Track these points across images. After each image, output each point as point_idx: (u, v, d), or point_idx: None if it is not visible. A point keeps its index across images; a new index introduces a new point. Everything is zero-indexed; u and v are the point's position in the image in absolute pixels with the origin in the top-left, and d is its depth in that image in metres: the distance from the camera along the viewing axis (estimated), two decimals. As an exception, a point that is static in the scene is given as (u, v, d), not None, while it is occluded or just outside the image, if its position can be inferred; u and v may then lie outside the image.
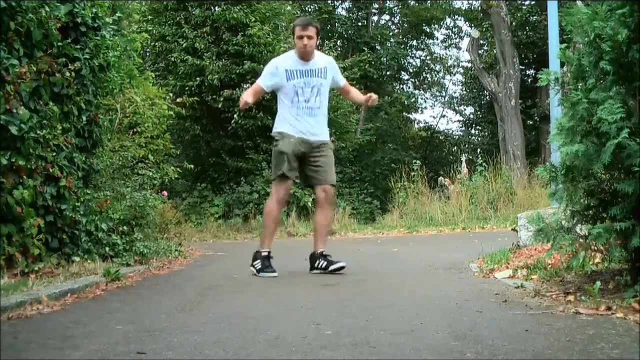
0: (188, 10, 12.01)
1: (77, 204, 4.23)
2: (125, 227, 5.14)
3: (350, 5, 19.38)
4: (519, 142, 14.27)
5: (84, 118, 4.59)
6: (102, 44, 4.89)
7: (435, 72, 21.66)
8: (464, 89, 21.15)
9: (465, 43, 19.78)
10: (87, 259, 4.26)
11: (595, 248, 2.92)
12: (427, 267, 4.62)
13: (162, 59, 12.28)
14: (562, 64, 5.96)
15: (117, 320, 2.60)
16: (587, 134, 2.76)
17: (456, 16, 20.99)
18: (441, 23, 20.93)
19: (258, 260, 4.34)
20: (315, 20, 4.87)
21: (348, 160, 14.59)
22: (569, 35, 3.00)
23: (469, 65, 19.10)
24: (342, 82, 4.75)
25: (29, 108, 3.72)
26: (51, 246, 3.99)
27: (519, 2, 17.19)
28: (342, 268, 4.31)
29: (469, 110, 20.80)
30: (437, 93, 22.32)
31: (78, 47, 4.48)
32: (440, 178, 12.74)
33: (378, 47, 18.48)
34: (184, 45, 11.59)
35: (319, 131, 4.46)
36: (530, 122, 17.29)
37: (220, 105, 11.45)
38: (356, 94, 4.93)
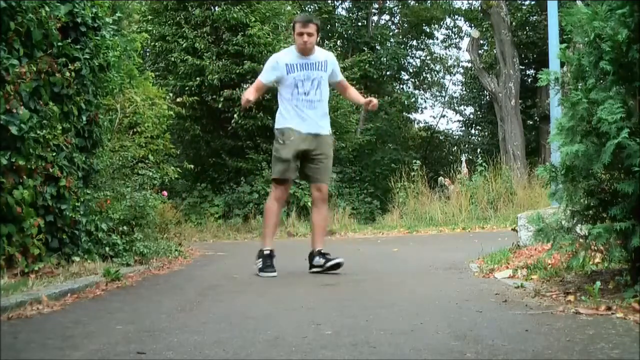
0: (188, 10, 12.02)
1: (77, 204, 4.23)
2: (125, 227, 5.14)
3: (350, 5, 19.39)
4: (519, 142, 14.28)
5: (84, 118, 4.59)
6: (102, 44, 4.89)
7: (435, 72, 21.69)
8: (464, 89, 21.16)
9: (465, 43, 19.81)
10: (87, 259, 4.26)
11: (595, 248, 2.92)
12: (427, 267, 4.62)
13: (162, 59, 12.28)
14: (562, 64, 5.96)
15: (117, 320, 2.60)
16: (587, 134, 2.76)
17: (456, 16, 21.01)
18: (441, 23, 20.94)
19: (260, 259, 4.36)
20: (315, 17, 4.87)
21: (348, 160, 14.59)
22: (569, 35, 3.00)
23: (469, 65, 19.11)
24: (340, 77, 4.74)
25: (29, 108, 3.72)
26: (51, 246, 3.99)
27: (519, 2, 17.19)
28: (340, 265, 4.32)
29: (469, 110, 20.82)
30: (437, 93, 22.35)
31: (78, 47, 4.47)
32: (440, 178, 12.74)
33: (378, 47, 18.49)
34: (184, 45, 11.59)
35: (320, 124, 4.46)
36: (530, 122, 17.29)
37: (220, 105, 11.45)
38: (355, 94, 4.92)
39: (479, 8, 16.92)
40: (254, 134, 11.79)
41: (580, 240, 2.93)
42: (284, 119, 4.46)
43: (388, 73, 19.16)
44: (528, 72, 17.73)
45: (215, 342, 2.14)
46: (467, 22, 20.84)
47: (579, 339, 2.05)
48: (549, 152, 10.33)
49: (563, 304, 2.71)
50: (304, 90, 4.42)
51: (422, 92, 21.76)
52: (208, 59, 11.45)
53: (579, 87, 2.84)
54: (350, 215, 11.30)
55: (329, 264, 4.34)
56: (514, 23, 16.00)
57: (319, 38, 4.56)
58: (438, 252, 5.93)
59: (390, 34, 19.97)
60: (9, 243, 3.45)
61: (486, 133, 19.40)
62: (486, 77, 15.24)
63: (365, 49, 17.21)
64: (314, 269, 4.39)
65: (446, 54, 22.08)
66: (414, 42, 21.05)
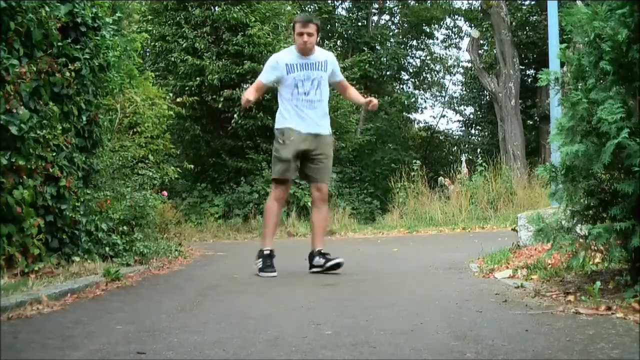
0: (188, 10, 12.02)
1: (77, 204, 4.23)
2: (125, 227, 5.14)
3: (350, 5, 19.40)
4: (519, 142, 14.28)
5: (84, 118, 4.59)
6: (102, 44, 4.89)
7: (435, 72, 21.69)
8: (464, 89, 21.17)
9: (465, 43, 19.81)
10: (87, 259, 4.26)
11: (595, 248, 2.92)
12: (427, 267, 4.62)
13: (162, 59, 12.28)
14: (562, 64, 5.96)
15: (117, 320, 2.60)
16: (587, 134, 2.76)
17: (456, 16, 21.01)
18: (441, 23, 20.94)
19: (260, 259, 4.36)
20: (315, 17, 4.87)
21: (348, 160, 14.60)
22: (569, 35, 3.00)
23: (469, 65, 19.11)
24: (340, 77, 4.73)
25: (29, 108, 3.72)
26: (51, 246, 3.99)
27: (519, 2, 17.19)
28: (340, 265, 4.32)
29: (469, 110, 20.83)
30: (437, 93, 22.35)
31: (78, 47, 4.47)
32: (440, 178, 12.74)
33: (378, 47, 18.49)
34: (184, 45, 11.59)
35: (320, 124, 4.46)
36: (530, 122, 17.29)
37: (220, 105, 11.45)
38: (355, 94, 4.91)
39: (479, 8, 16.93)
40: (254, 134, 11.79)
41: (580, 240, 2.93)
42: (283, 119, 4.46)
43: (388, 73, 19.17)
44: (528, 72, 17.73)
45: (215, 342, 2.14)
46: (467, 22, 20.86)
47: (579, 339, 2.05)
48: (549, 152, 10.33)
49: (563, 304, 2.71)
50: (304, 90, 4.42)
51: (422, 92, 21.78)
52: (208, 59, 11.45)
53: (579, 87, 2.84)
54: (350, 215, 11.30)
55: (329, 264, 4.34)
56: (514, 23, 16.00)
57: (319, 38, 4.56)
58: (438, 252, 5.93)
59: (390, 34, 19.97)
60: (9, 243, 3.45)
61: (486, 133, 19.40)
62: (486, 77, 15.24)
63: (365, 49, 17.21)
64: (314, 269, 4.39)
65: (446, 54, 22.13)
66: (414, 42, 21.05)
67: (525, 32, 16.67)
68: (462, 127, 21.35)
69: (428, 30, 20.88)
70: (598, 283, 2.70)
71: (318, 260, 4.40)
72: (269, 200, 4.53)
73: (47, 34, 4.08)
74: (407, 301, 3.06)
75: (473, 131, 20.99)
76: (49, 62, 4.03)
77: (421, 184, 11.68)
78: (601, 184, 2.86)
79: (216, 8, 12.00)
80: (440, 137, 21.25)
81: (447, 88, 22.30)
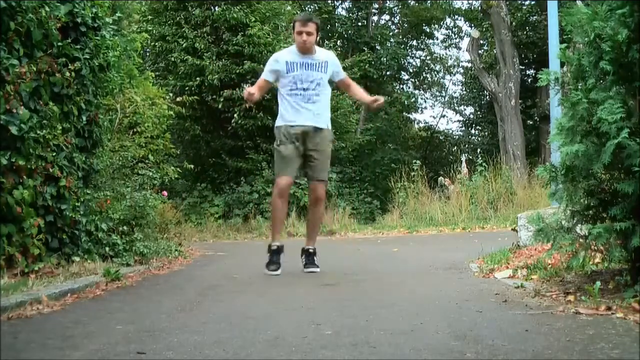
0: (188, 10, 12.02)
1: (77, 204, 4.23)
2: (125, 227, 5.14)
3: (350, 5, 19.40)
4: (519, 142, 14.28)
5: (84, 118, 4.59)
6: (102, 44, 4.89)
7: (435, 72, 21.70)
8: (464, 89, 21.17)
9: (465, 43, 19.82)
10: (87, 259, 4.26)
11: (595, 248, 2.92)
12: (427, 267, 4.62)
13: (162, 59, 12.29)
14: (562, 64, 5.96)
15: (117, 320, 2.60)
16: (587, 134, 2.76)
17: (456, 16, 21.02)
18: (441, 23, 20.96)
19: (268, 254, 4.44)
20: (315, 16, 4.86)
21: (348, 160, 14.60)
22: (569, 35, 3.00)
23: (469, 65, 19.11)
24: (342, 75, 4.70)
25: (29, 108, 3.72)
26: (51, 246, 3.99)
27: (519, 2, 17.20)
28: (314, 272, 4.39)
29: (469, 110, 20.84)
30: (437, 93, 22.36)
31: (78, 47, 4.48)
32: (440, 178, 12.74)
33: (378, 47, 18.49)
34: (184, 45, 11.59)
35: (317, 118, 4.45)
36: (530, 122, 17.30)
37: (220, 105, 11.46)
38: (359, 92, 4.92)
39: (479, 8, 16.93)
40: (254, 134, 11.79)
41: (580, 240, 2.93)
42: (282, 117, 4.48)
43: (388, 73, 19.17)
44: (528, 72, 17.73)
45: (215, 342, 2.14)
46: (467, 22, 20.87)
47: (579, 339, 2.05)
48: (549, 152, 10.33)
49: (563, 304, 2.71)
50: (303, 87, 4.43)
51: (422, 92, 21.79)
52: (208, 59, 11.45)
53: (579, 87, 2.84)
54: (350, 215, 11.30)
55: (305, 270, 4.45)
56: (514, 23, 16.00)
57: (318, 38, 4.56)
58: (438, 252, 5.92)
59: (390, 34, 19.98)
60: (9, 243, 3.45)
61: (486, 133, 19.40)
62: (486, 77, 15.24)
63: (365, 49, 17.21)
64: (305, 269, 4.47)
65: (446, 54, 22.15)
66: (414, 42, 21.06)
67: (525, 32, 16.67)
68: (462, 127, 21.38)
69: (428, 30, 20.89)
70: (598, 283, 2.70)
71: (302, 259, 4.52)
72: (273, 197, 4.55)
73: (47, 34, 4.08)
74: (407, 301, 3.06)
75: (473, 131, 21.00)
76: (49, 62, 4.03)
77: (421, 184, 11.68)
78: (601, 184, 2.86)
79: (216, 8, 12.00)
80: (440, 137, 21.26)
81: (447, 88, 22.35)
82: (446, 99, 21.97)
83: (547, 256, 3.36)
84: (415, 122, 21.78)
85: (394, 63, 18.49)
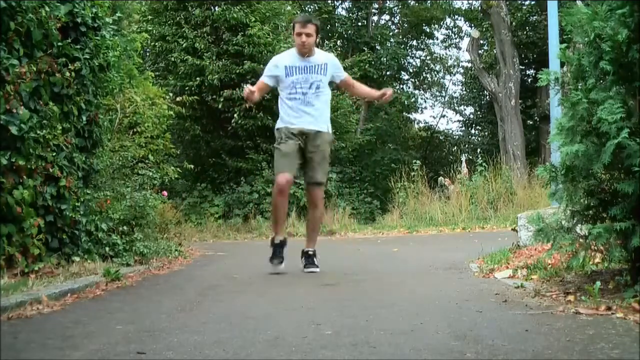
0: (188, 10, 12.02)
1: (77, 204, 4.23)
2: (125, 227, 5.14)
3: (350, 5, 19.41)
4: (519, 142, 14.28)
5: (84, 118, 4.59)
6: (102, 44, 4.89)
7: (435, 72, 21.70)
8: (464, 89, 21.18)
9: (465, 43, 19.83)
10: (87, 259, 4.26)
11: (595, 248, 2.92)
12: (427, 267, 4.62)
13: (162, 59, 12.29)
14: (562, 64, 5.96)
15: (117, 320, 2.60)
16: (587, 134, 2.76)
17: (456, 16, 21.02)
18: (441, 23, 20.96)
19: (271, 248, 4.48)
20: (315, 18, 4.86)
21: (348, 160, 14.60)
22: (569, 35, 3.00)
23: (469, 65, 19.12)
24: (343, 76, 4.69)
25: (29, 108, 3.72)
26: (51, 246, 3.99)
27: (519, 2, 17.20)
28: (314, 272, 4.41)
29: (469, 110, 20.84)
30: (437, 93, 22.37)
31: (78, 47, 4.48)
32: (440, 178, 12.74)
33: (378, 47, 18.50)
34: (184, 45, 11.59)
35: (316, 121, 4.46)
36: (530, 122, 17.30)
37: (220, 106, 11.46)
38: (364, 90, 4.90)
39: (479, 8, 16.93)
40: (254, 134, 11.79)
41: (580, 240, 2.93)
42: (282, 120, 4.49)
43: (388, 73, 19.17)
44: (528, 72, 17.74)
45: (215, 342, 2.14)
46: (467, 22, 20.87)
47: (579, 339, 2.05)
48: (549, 152, 10.33)
49: (563, 304, 2.71)
50: (302, 91, 4.43)
51: (422, 92, 21.79)
52: (208, 59, 11.45)
53: (579, 87, 2.84)
54: (350, 215, 11.30)
55: (305, 270, 4.45)
56: (514, 23, 16.00)
57: (318, 38, 4.56)
58: (438, 252, 5.92)
59: (390, 34, 19.98)
60: (9, 243, 3.45)
61: (486, 133, 19.41)
62: (486, 77, 15.24)
63: (365, 49, 17.22)
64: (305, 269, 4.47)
65: (446, 54, 22.15)
66: (414, 42, 21.07)
67: (525, 32, 16.67)
68: (462, 127, 21.38)
69: (428, 30, 20.89)
70: (598, 283, 2.70)
71: (301, 261, 4.53)
72: (273, 196, 4.57)
73: (47, 34, 4.08)
74: (407, 301, 3.06)
75: (473, 131, 21.00)
76: (49, 62, 4.03)
77: (421, 184, 11.67)
78: (601, 184, 2.86)
79: (216, 8, 12.00)
80: (440, 137, 21.26)
81: (447, 88, 22.36)
82: (446, 99, 21.99)
83: (547, 256, 3.36)
84: (415, 122, 21.81)
85: (394, 63, 18.50)
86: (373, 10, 18.84)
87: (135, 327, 2.44)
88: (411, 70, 20.82)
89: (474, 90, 19.48)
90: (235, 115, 11.37)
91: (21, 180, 3.56)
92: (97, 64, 4.76)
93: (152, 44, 11.77)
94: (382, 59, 18.04)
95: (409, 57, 20.50)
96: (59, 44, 4.23)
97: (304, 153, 4.44)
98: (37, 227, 3.66)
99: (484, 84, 15.57)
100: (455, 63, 21.82)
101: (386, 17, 20.46)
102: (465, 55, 19.55)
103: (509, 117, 14.33)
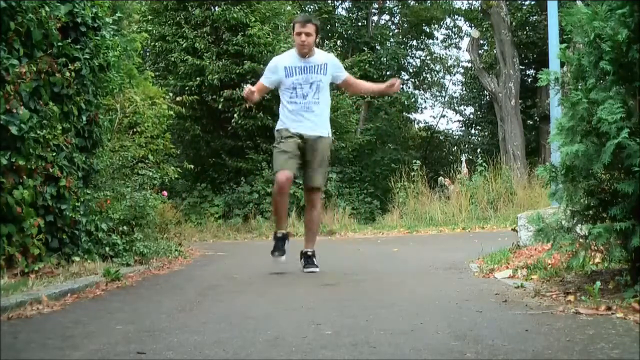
0: (188, 10, 12.02)
1: (77, 204, 4.23)
2: (125, 227, 5.14)
3: (350, 5, 19.41)
4: (519, 142, 14.28)
5: (84, 118, 4.60)
6: (102, 44, 4.89)
7: (435, 72, 21.70)
8: (464, 89, 21.18)
9: (465, 43, 19.83)
10: (87, 259, 4.26)
11: (595, 248, 2.92)
12: (427, 267, 4.62)
13: (162, 59, 12.29)
14: (562, 64, 5.96)
15: (117, 320, 2.60)
16: (587, 134, 2.76)
17: (456, 16, 21.02)
18: (441, 23, 20.96)
19: (274, 241, 4.51)
20: (315, 17, 4.86)
21: (348, 160, 14.60)
22: (569, 35, 3.00)
23: (469, 65, 19.12)
24: (344, 76, 4.67)
25: (29, 108, 3.72)
26: (51, 246, 3.99)
27: (519, 2, 17.20)
28: (314, 272, 4.42)
29: (469, 110, 20.84)
30: (437, 93, 22.36)
31: (78, 47, 4.48)
32: (440, 178, 12.74)
33: (378, 47, 18.50)
34: (184, 45, 11.60)
35: (316, 127, 4.46)
36: (530, 122, 17.30)
37: (220, 106, 11.46)
38: (367, 86, 4.89)
39: (479, 8, 16.93)
40: (254, 134, 11.79)
41: (580, 240, 2.93)
42: (282, 122, 4.49)
43: (388, 73, 19.15)
44: (528, 72, 17.74)
45: (215, 342, 2.14)
46: (467, 22, 20.87)
47: (579, 339, 2.05)
48: (549, 152, 10.33)
49: (563, 304, 2.71)
50: (302, 93, 4.42)
51: (422, 92, 21.78)
52: (208, 59, 11.45)
53: (579, 87, 2.84)
54: (350, 215, 11.30)
55: (304, 270, 4.46)
56: (514, 23, 16.00)
57: (318, 39, 4.55)
58: (438, 252, 5.92)
59: (390, 34, 19.98)
60: (9, 243, 3.45)
61: (486, 133, 19.41)
62: (486, 77, 15.24)
63: (365, 49, 17.21)
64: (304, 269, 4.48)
65: (446, 54, 22.15)
66: (414, 42, 21.06)
67: (525, 32, 16.67)
68: (462, 127, 21.38)
69: (428, 30, 20.89)
70: (598, 283, 2.70)
71: (301, 262, 4.54)
72: (273, 195, 4.59)
73: (47, 34, 4.08)
74: (407, 301, 3.06)
75: (473, 131, 21.00)
76: (49, 62, 4.03)
77: (421, 184, 11.67)
78: (601, 184, 2.86)
79: (216, 8, 12.00)
80: (440, 137, 21.26)
81: (447, 88, 22.35)
82: (446, 99, 21.99)
83: (547, 256, 3.36)
84: (415, 122, 21.81)
85: (394, 63, 18.50)
86: (373, 10, 18.84)
87: (135, 327, 2.44)
88: (411, 70, 20.82)
89: (474, 90, 19.48)
90: (235, 115, 11.37)
91: (21, 180, 3.56)
92: (97, 64, 4.76)
93: (152, 44, 11.77)
94: (382, 59, 18.04)
95: (409, 57, 20.51)
96: (59, 44, 4.23)
97: (303, 154, 4.44)
98: (37, 227, 3.66)
99: (484, 84, 15.57)
100: (455, 63, 21.85)
101: (386, 17, 20.48)
102: (465, 55, 19.58)
103: (509, 117, 14.33)
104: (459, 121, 21.73)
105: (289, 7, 13.38)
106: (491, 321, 2.44)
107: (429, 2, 20.41)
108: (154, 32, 11.76)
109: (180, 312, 2.87)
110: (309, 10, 17.86)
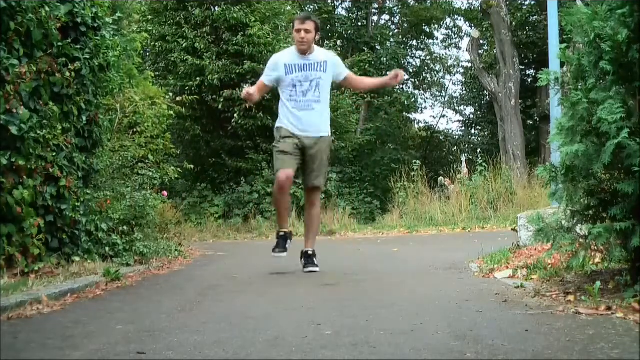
0: (188, 10, 12.02)
1: (77, 204, 4.23)
2: (125, 227, 5.14)
3: (350, 5, 19.40)
4: (519, 142, 14.28)
5: (84, 118, 4.60)
6: (102, 44, 4.89)
7: (435, 72, 21.70)
8: (464, 89, 21.17)
9: (465, 43, 19.82)
10: (87, 259, 4.26)
11: (595, 248, 2.92)
12: (427, 267, 4.62)
13: (162, 59, 12.29)
14: (562, 64, 5.96)
15: (117, 320, 2.60)
16: (587, 134, 2.76)
17: (456, 16, 21.02)
18: (441, 23, 20.96)
19: (276, 239, 4.56)
20: (314, 16, 4.86)
21: (348, 160, 14.59)
22: (569, 35, 3.00)
23: (469, 65, 19.12)
24: (345, 74, 4.65)
25: (29, 108, 3.72)
26: (51, 246, 3.99)
27: (519, 2, 17.20)
28: (314, 271, 4.42)
29: (469, 110, 20.84)
30: (437, 93, 22.36)
31: (78, 47, 4.48)
32: (440, 178, 12.74)
33: (378, 47, 18.49)
34: (184, 45, 11.59)
35: (316, 126, 4.46)
36: (530, 122, 17.30)
37: (220, 106, 11.46)
38: (369, 81, 4.90)
39: (479, 8, 16.93)
40: (254, 134, 11.79)
41: (580, 240, 2.93)
42: (281, 121, 4.49)
43: (388, 73, 19.14)
44: (528, 72, 17.73)
45: (215, 342, 2.14)
46: (467, 22, 20.86)
47: (579, 339, 2.05)
48: (549, 152, 10.33)
49: (563, 304, 2.71)
50: (302, 90, 4.42)
51: (422, 92, 21.78)
52: (208, 59, 11.45)
53: (579, 87, 2.84)
54: (350, 215, 11.30)
55: (304, 269, 4.46)
56: (514, 23, 16.00)
57: (318, 37, 4.55)
58: (438, 252, 5.92)
59: (390, 34, 19.97)
60: (9, 243, 3.45)
61: (486, 133, 19.40)
62: (486, 77, 15.24)
63: (365, 49, 17.21)
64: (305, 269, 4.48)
65: (446, 54, 22.14)
66: (414, 42, 21.06)
67: (525, 32, 16.67)
68: (462, 127, 21.38)
69: (428, 30, 20.88)
70: (598, 283, 2.70)
71: (301, 261, 4.54)
72: (273, 194, 4.61)
73: (47, 34, 4.08)
74: (407, 301, 3.06)
75: (473, 131, 20.99)
76: (49, 62, 4.03)
77: (421, 184, 11.67)
78: (601, 184, 2.86)
79: (216, 8, 12.00)
80: (440, 137, 21.26)
81: (447, 88, 22.35)
82: (446, 99, 21.98)
83: (547, 256, 3.36)
84: (415, 122, 21.80)
85: (394, 63, 18.47)
86: (373, 10, 18.83)
87: (135, 327, 2.44)
88: (411, 70, 20.81)
89: (474, 90, 19.47)
90: (235, 115, 11.37)
91: (21, 180, 3.56)
92: (97, 64, 4.76)
93: (152, 44, 11.76)
94: (382, 59, 18.03)
95: (409, 57, 20.51)
96: (59, 44, 4.23)
97: (303, 154, 4.44)
98: (37, 227, 3.66)
99: (484, 84, 15.57)
100: (455, 63, 21.84)
101: (386, 17, 20.47)
102: (465, 55, 19.57)
103: (509, 117, 14.33)
104: (459, 121, 21.76)
105: (289, 7, 13.37)
106: (491, 321, 2.44)
107: (429, 2, 20.40)
108: (154, 32, 11.75)
109: (180, 312, 2.87)
110: (309, 10, 17.86)
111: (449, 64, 21.72)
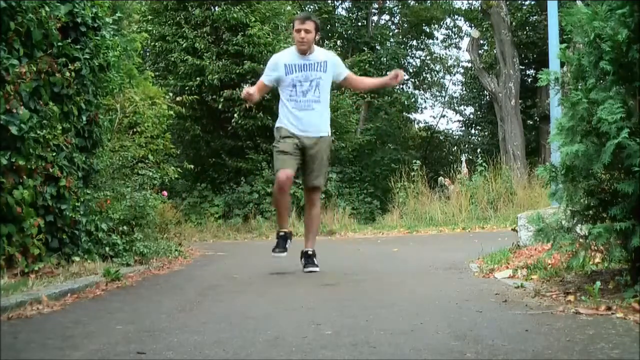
0: (188, 10, 12.02)
1: (77, 204, 4.23)
2: (125, 227, 5.14)
3: (350, 5, 19.40)
4: (519, 142, 14.28)
5: (84, 118, 4.60)
6: (102, 44, 4.89)
7: (435, 72, 21.70)
8: (464, 89, 21.18)
9: (465, 43, 19.83)
10: (87, 259, 4.26)
11: (595, 248, 2.92)
12: (427, 267, 4.62)
13: (162, 59, 12.29)
14: (562, 64, 5.96)
15: (117, 320, 2.60)
16: (587, 134, 2.76)
17: (456, 16, 21.02)
18: (441, 23, 20.96)
19: (276, 239, 4.57)
20: (314, 16, 4.86)
21: (348, 160, 14.59)
22: (569, 35, 3.00)
23: (469, 65, 19.12)
24: (345, 74, 4.65)
25: (29, 108, 3.72)
26: (51, 246, 3.99)
27: (519, 2, 17.20)
28: (314, 271, 4.42)
29: (469, 110, 20.84)
30: (437, 93, 22.36)
31: (78, 47, 4.48)
32: (440, 178, 12.74)
33: (378, 47, 18.49)
34: (184, 45, 11.59)
35: (316, 126, 4.46)
36: (530, 122, 17.30)
37: (220, 106, 11.46)
38: (369, 81, 4.90)
39: (479, 8, 16.93)
40: (254, 134, 11.79)
41: (580, 240, 2.93)
42: (281, 122, 4.48)
43: (388, 73, 19.13)
44: (528, 72, 17.73)
45: (215, 342, 2.14)
46: (467, 22, 20.87)
47: (579, 339, 2.05)
48: (549, 152, 10.33)
49: (563, 304, 2.71)
50: (302, 90, 4.41)
51: (422, 92, 21.78)
52: (208, 59, 11.45)
53: (579, 87, 2.84)
54: (350, 215, 11.30)
55: (304, 269, 4.46)
56: (514, 23, 16.00)
57: (318, 37, 4.55)
58: (438, 252, 5.93)
59: (390, 34, 19.97)
60: (9, 243, 3.45)
61: (486, 133, 19.40)
62: (486, 77, 15.24)
63: (365, 49, 17.21)
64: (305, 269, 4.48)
65: (446, 54, 22.14)
66: (414, 42, 21.06)
67: (525, 32, 16.67)
68: (462, 127, 21.38)
69: (428, 30, 20.88)
70: (598, 283, 2.70)
71: (301, 261, 4.54)
72: (273, 194, 4.62)
73: (47, 34, 4.08)
74: (407, 301, 3.06)
75: (473, 131, 21.00)
76: (49, 62, 4.03)
77: (421, 184, 11.67)
78: (601, 184, 2.86)
79: (216, 8, 12.00)
80: (440, 137, 21.26)
81: (447, 88, 22.35)
82: (446, 99, 21.99)
83: (547, 256, 3.36)
84: (415, 122, 21.80)
85: (394, 63, 18.47)
86: (373, 10, 18.83)
87: (135, 327, 2.44)
88: (411, 70, 20.81)
89: (474, 90, 19.47)
90: (235, 115, 11.37)
91: (21, 180, 3.56)
92: (97, 64, 4.76)
93: (152, 44, 11.76)
94: (382, 59, 18.03)
95: (409, 57, 20.51)
96: (59, 44, 4.23)
97: (303, 154, 4.44)
98: (37, 227, 3.66)
99: (484, 84, 15.57)
100: (455, 63, 21.85)
101: (386, 17, 20.47)
102: (465, 55, 19.57)
103: (509, 117, 14.33)
104: (459, 121, 21.76)
105: (289, 7, 13.37)
106: (491, 321, 2.44)
107: (429, 2, 20.40)
108: (154, 32, 11.75)
109: (180, 312, 2.87)
110: (309, 10, 17.86)
111: (449, 64, 21.75)
